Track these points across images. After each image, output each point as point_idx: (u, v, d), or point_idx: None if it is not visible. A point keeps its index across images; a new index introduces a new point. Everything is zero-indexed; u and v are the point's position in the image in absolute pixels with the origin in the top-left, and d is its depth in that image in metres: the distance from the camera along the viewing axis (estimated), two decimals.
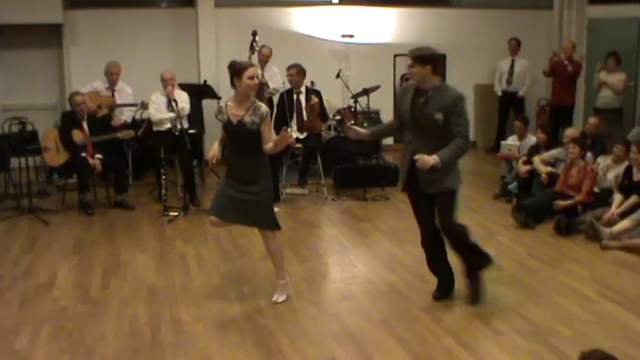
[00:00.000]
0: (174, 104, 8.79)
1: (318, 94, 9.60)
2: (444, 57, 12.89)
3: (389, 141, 12.59)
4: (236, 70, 5.56)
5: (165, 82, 9.05)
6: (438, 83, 5.60)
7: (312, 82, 9.73)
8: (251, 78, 5.54)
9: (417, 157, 5.44)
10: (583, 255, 7.11)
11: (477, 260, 5.90)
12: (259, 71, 5.80)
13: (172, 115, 8.88)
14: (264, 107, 5.66)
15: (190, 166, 9.19)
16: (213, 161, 5.89)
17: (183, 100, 9.11)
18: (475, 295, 5.85)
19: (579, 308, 5.69)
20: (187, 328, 5.41)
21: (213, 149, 5.95)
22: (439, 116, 5.45)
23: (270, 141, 5.63)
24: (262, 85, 9.51)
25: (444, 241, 5.87)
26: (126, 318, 5.60)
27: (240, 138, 5.63)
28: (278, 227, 5.82)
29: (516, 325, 5.36)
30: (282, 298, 5.88)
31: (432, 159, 5.37)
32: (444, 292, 5.97)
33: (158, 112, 9.20)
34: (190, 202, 8.88)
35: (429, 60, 5.50)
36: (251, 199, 5.64)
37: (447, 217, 5.75)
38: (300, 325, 5.42)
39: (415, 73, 5.50)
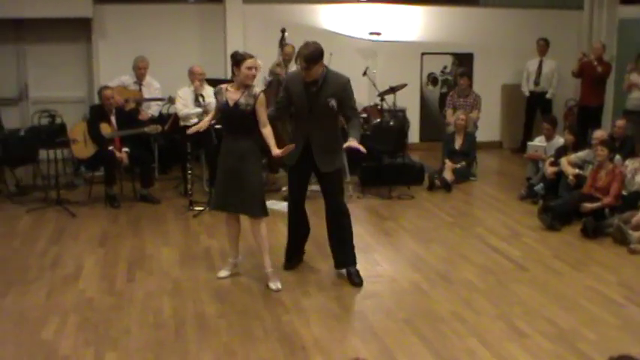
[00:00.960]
0: (201, 99, 8.82)
1: None
2: (471, 55, 12.86)
3: (414, 139, 12.61)
4: (236, 61, 5.98)
5: (195, 77, 9.09)
6: (324, 71, 6.00)
7: None
8: (249, 68, 5.92)
9: (347, 145, 5.99)
10: (610, 258, 7.05)
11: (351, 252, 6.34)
12: (259, 62, 6.09)
13: (199, 110, 8.91)
14: (257, 89, 6.02)
15: (216, 161, 9.20)
16: (200, 130, 6.34)
17: (210, 95, 9.12)
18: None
19: (606, 312, 5.65)
20: (211, 322, 5.44)
21: (200, 124, 6.41)
22: (333, 102, 5.93)
23: (266, 124, 5.99)
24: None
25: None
26: (150, 311, 5.64)
27: (236, 120, 5.98)
28: (266, 214, 6.14)
29: (541, 327, 5.33)
30: (279, 284, 6.12)
31: (355, 143, 5.99)
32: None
33: (185, 107, 9.23)
34: None
35: (321, 56, 5.92)
36: (242, 185, 5.97)
37: (339, 195, 6.35)
38: (324, 323, 5.43)
39: (313, 73, 5.90)
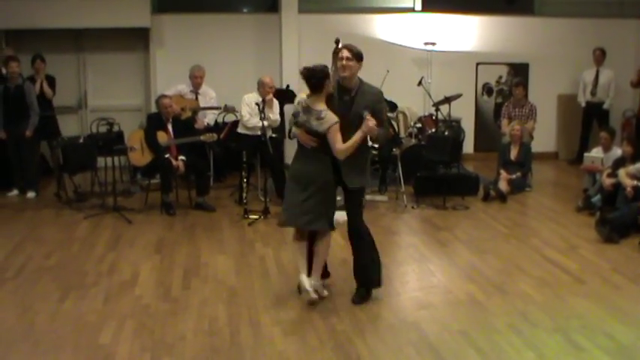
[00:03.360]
0: (266, 113, 8.81)
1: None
2: (526, 65, 12.74)
3: (469, 150, 12.53)
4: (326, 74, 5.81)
5: (264, 89, 9.14)
6: (360, 82, 5.87)
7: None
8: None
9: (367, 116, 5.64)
10: None
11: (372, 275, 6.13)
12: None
13: (265, 123, 8.90)
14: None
15: (281, 168, 9.28)
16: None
17: (276, 112, 9.23)
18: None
19: None
20: (266, 330, 5.46)
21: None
22: (367, 113, 5.67)
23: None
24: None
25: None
26: (206, 318, 5.68)
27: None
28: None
29: (600, 342, 5.23)
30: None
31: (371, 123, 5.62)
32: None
33: (251, 115, 9.18)
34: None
35: (362, 58, 5.79)
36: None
37: (357, 216, 6.02)
38: (379, 333, 5.42)
39: (352, 67, 5.73)
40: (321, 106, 5.71)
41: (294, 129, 5.96)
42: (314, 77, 5.70)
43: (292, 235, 6.14)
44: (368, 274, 6.09)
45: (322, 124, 5.64)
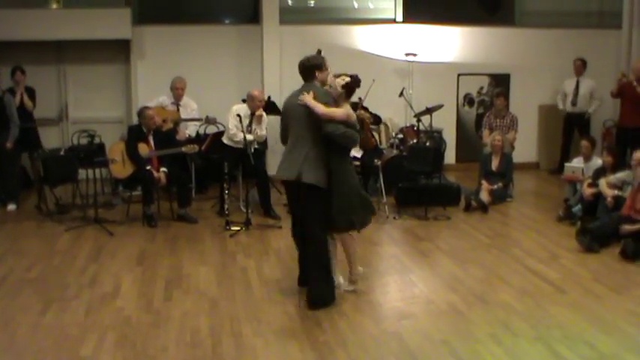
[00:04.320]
0: (254, 127, 8.88)
1: (366, 110, 9.62)
2: (507, 76, 12.83)
3: (451, 160, 12.57)
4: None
5: (254, 103, 9.13)
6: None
7: (359, 99, 9.63)
8: None
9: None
10: None
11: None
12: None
13: (250, 138, 8.89)
14: None
15: (265, 179, 9.30)
16: None
17: (264, 127, 9.22)
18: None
19: None
20: (248, 341, 5.44)
21: None
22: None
23: None
24: None
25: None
26: (188, 330, 5.66)
27: None
28: None
29: (581, 352, 5.25)
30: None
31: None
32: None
33: (238, 129, 8.96)
34: (266, 214, 9.10)
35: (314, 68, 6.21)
36: None
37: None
38: (361, 343, 5.41)
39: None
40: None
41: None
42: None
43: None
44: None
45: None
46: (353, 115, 6.11)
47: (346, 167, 6.11)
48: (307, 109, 5.93)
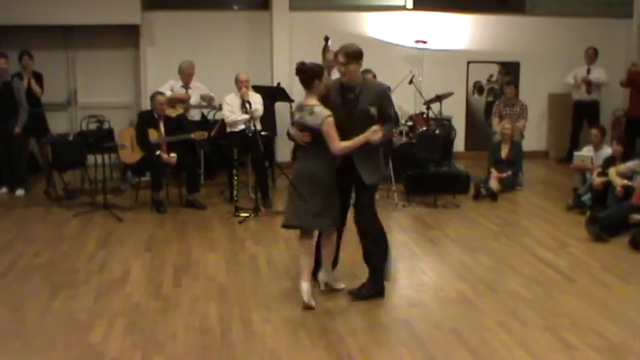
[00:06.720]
0: (248, 106, 8.87)
1: None
2: (517, 64, 12.77)
3: (460, 148, 12.54)
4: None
5: (240, 84, 9.13)
6: (363, 79, 5.95)
7: (388, 88, 9.68)
8: None
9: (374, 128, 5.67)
10: None
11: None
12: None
13: (246, 116, 8.95)
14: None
15: (263, 167, 9.24)
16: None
17: (256, 101, 9.20)
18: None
19: None
20: (257, 328, 5.45)
21: None
22: (373, 110, 5.74)
23: None
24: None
25: None
26: (197, 316, 5.66)
27: None
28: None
29: (590, 340, 5.24)
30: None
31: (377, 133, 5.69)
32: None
33: (232, 113, 9.27)
34: (262, 203, 8.96)
35: (360, 56, 5.79)
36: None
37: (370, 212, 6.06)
38: (370, 331, 5.41)
39: (350, 70, 5.75)
40: (313, 102, 5.73)
41: (290, 129, 5.97)
42: (303, 73, 5.76)
43: (297, 235, 6.07)
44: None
45: (315, 118, 5.64)
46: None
47: (334, 167, 5.94)
48: None
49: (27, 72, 10.23)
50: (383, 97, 5.89)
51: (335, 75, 10.51)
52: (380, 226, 6.06)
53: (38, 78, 10.34)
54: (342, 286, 6.22)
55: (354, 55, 5.73)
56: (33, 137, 10.30)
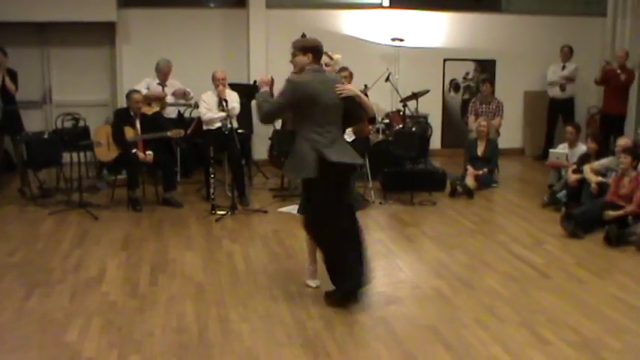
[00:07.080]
0: (224, 104, 8.85)
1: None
2: (493, 62, 12.84)
3: (436, 145, 12.59)
4: None
5: (217, 82, 9.11)
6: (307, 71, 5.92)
7: (365, 86, 9.75)
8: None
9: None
10: (633, 266, 7.00)
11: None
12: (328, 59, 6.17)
13: (223, 114, 8.93)
14: None
15: (240, 165, 9.22)
16: None
17: (233, 99, 9.18)
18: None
19: (630, 321, 5.59)
20: (234, 327, 5.44)
21: None
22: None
23: None
24: None
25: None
26: (173, 315, 5.64)
27: None
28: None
29: (565, 335, 5.29)
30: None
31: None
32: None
33: (209, 111, 9.26)
34: (239, 201, 8.94)
35: (308, 49, 5.85)
36: None
37: None
38: (347, 329, 5.42)
39: (297, 61, 5.85)
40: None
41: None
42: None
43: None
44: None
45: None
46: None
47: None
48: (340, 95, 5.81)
49: (1, 69, 10.07)
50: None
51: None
52: (330, 232, 5.86)
53: (12, 75, 10.19)
54: (314, 285, 6.22)
55: (298, 47, 5.88)
56: (7, 135, 10.15)
